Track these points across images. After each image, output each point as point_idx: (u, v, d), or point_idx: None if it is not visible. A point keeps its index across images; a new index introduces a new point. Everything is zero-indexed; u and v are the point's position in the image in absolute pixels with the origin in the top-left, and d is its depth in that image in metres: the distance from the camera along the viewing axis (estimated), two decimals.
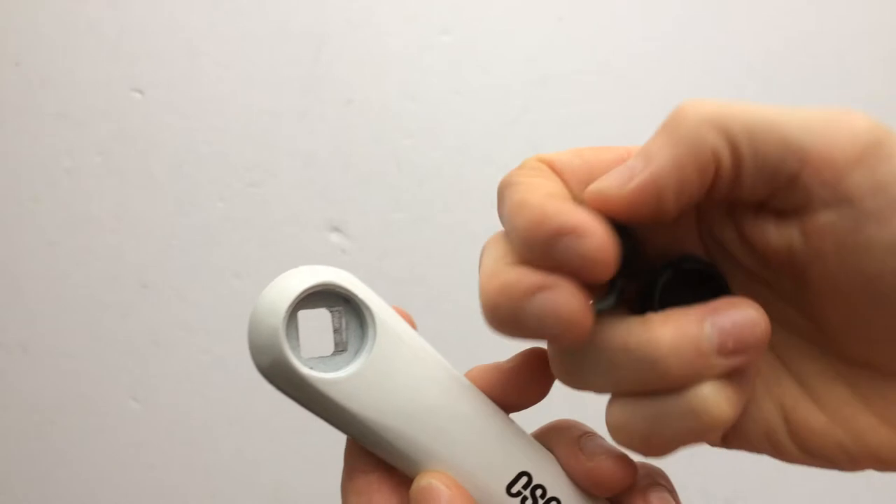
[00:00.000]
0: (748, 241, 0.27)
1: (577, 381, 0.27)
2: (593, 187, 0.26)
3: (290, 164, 0.85)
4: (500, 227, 0.29)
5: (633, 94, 0.82)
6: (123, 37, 0.86)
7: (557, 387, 0.30)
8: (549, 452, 0.31)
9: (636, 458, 0.30)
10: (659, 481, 0.30)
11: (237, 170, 0.86)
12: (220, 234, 0.86)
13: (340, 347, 0.28)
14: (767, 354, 0.28)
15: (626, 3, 0.83)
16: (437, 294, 0.84)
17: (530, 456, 0.30)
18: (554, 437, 0.31)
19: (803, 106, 0.25)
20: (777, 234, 0.25)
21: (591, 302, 0.25)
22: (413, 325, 0.29)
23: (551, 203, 0.25)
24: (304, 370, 0.26)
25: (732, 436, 0.28)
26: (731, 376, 0.25)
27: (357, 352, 0.27)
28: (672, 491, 0.30)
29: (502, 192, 0.28)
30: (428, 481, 0.28)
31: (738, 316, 0.25)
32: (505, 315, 0.25)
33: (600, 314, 0.26)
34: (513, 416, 0.31)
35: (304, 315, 0.27)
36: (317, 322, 0.30)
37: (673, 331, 0.25)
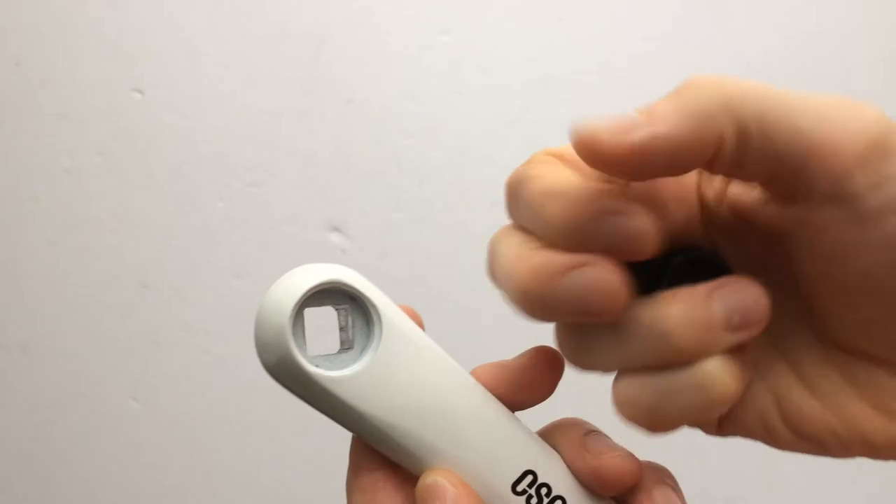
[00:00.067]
0: (746, 225, 0.27)
1: (587, 361, 0.28)
2: (583, 126, 0.24)
3: (290, 164, 0.85)
4: (499, 226, 0.29)
5: (633, 94, 0.82)
6: (123, 37, 0.86)
7: (563, 385, 0.30)
8: (554, 451, 0.31)
9: (645, 457, 0.30)
10: (665, 480, 0.30)
11: (237, 170, 0.85)
12: (220, 234, 0.86)
13: (346, 345, 0.28)
14: (762, 340, 0.28)
15: (626, 3, 0.83)
16: (437, 294, 0.84)
17: (535, 454, 0.30)
18: (559, 436, 0.31)
19: (815, 93, 0.24)
20: (775, 218, 0.26)
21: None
22: (421, 325, 0.29)
23: (587, 186, 0.26)
24: (311, 368, 0.26)
25: (727, 421, 0.29)
26: (736, 352, 0.26)
27: (363, 350, 0.27)
28: (677, 490, 0.30)
29: (517, 187, 0.28)
30: (433, 479, 0.28)
31: (743, 292, 0.26)
32: (539, 297, 0.25)
33: None
34: (518, 414, 0.31)
35: (310, 313, 0.27)
36: (323, 320, 0.30)
37: (682, 306, 0.25)
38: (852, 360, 0.27)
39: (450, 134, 0.84)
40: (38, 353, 0.88)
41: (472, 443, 0.29)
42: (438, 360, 0.29)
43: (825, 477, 0.83)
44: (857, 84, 0.81)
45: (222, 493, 0.88)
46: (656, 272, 0.27)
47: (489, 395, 0.30)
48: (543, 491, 0.30)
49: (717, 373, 0.25)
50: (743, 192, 0.27)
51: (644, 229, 0.25)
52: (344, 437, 0.29)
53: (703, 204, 0.28)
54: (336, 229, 0.85)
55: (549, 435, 0.31)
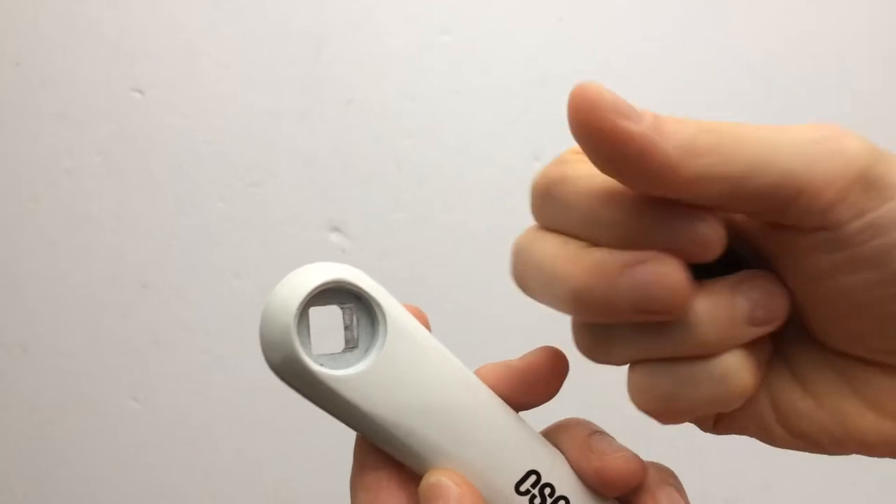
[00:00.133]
0: (735, 231, 0.27)
1: (604, 354, 0.28)
2: (594, 88, 0.24)
3: (290, 164, 0.85)
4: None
5: (633, 94, 0.82)
6: (123, 37, 0.86)
7: (567, 385, 0.30)
8: (558, 451, 0.31)
9: (645, 457, 0.30)
10: (669, 481, 0.30)
11: (237, 170, 0.85)
12: (220, 234, 0.86)
13: (351, 344, 0.28)
14: None
15: (626, 3, 0.83)
16: (437, 294, 0.84)
17: (539, 454, 0.30)
18: (563, 436, 0.31)
19: (796, 126, 0.25)
20: (761, 237, 0.26)
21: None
22: (427, 324, 0.29)
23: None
24: (315, 367, 0.26)
25: (723, 419, 0.29)
26: (754, 347, 0.26)
27: (368, 349, 0.27)
28: (681, 490, 0.30)
29: (553, 188, 0.27)
30: (437, 478, 0.28)
31: (766, 287, 0.26)
32: (598, 296, 0.25)
33: None
34: (522, 414, 0.31)
35: (316, 312, 0.27)
36: (329, 319, 0.30)
37: (708, 299, 0.26)
38: (846, 360, 0.27)
39: (450, 134, 0.84)
40: (38, 353, 0.88)
41: (476, 442, 0.29)
42: (443, 360, 0.29)
43: (825, 477, 0.83)
44: (858, 84, 0.82)
45: (222, 493, 0.88)
46: None
47: (493, 394, 0.30)
48: (547, 491, 0.30)
49: (737, 366, 0.26)
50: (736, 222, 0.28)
51: (716, 233, 0.25)
52: (344, 438, 0.29)
53: None
54: (336, 229, 0.85)
55: (554, 435, 0.31)
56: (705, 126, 0.24)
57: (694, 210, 0.25)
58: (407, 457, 0.28)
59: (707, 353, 0.26)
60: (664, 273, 0.24)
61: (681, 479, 0.31)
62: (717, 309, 0.25)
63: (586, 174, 0.26)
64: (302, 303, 0.26)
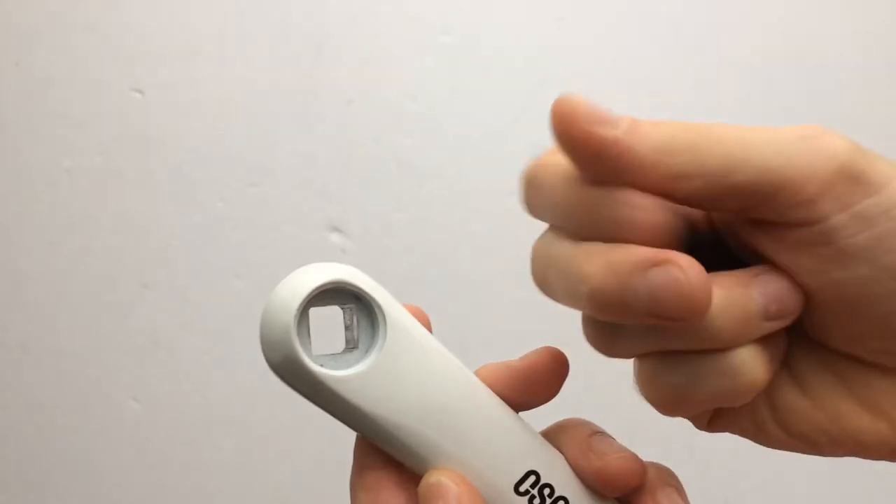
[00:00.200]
0: (730, 235, 0.27)
1: (614, 347, 0.28)
2: (569, 99, 0.25)
3: (290, 164, 0.85)
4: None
5: (634, 94, 0.82)
6: (123, 37, 0.86)
7: (567, 386, 0.30)
8: (557, 451, 0.31)
9: (645, 457, 0.30)
10: (669, 481, 0.30)
11: (237, 170, 0.85)
12: (220, 234, 0.86)
13: (351, 345, 0.28)
14: None
15: (626, 3, 0.83)
16: (437, 294, 0.84)
17: (539, 455, 0.30)
18: (563, 436, 0.31)
19: (775, 127, 0.25)
20: (752, 239, 0.26)
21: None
22: (428, 324, 0.29)
23: None
24: (315, 367, 0.26)
25: (719, 418, 0.29)
26: (768, 341, 0.26)
27: (368, 349, 0.27)
28: (681, 491, 0.30)
29: (534, 175, 0.28)
30: (437, 478, 0.28)
31: (780, 280, 0.26)
32: (614, 295, 0.25)
33: None
34: (522, 414, 0.31)
35: (318, 311, 0.27)
36: (331, 319, 0.30)
37: (723, 292, 0.25)
38: (842, 360, 0.27)
39: (450, 134, 0.84)
40: (38, 353, 0.88)
41: (476, 443, 0.29)
42: (443, 360, 0.29)
43: (825, 477, 0.83)
44: (857, 84, 0.81)
45: (222, 493, 0.88)
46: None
47: (493, 395, 0.30)
48: (546, 491, 0.30)
49: (750, 361, 0.26)
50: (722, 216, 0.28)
51: (651, 216, 0.25)
52: (344, 438, 0.30)
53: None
54: (336, 229, 0.85)
55: (554, 435, 0.31)
56: (682, 127, 0.25)
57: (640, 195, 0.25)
58: (407, 457, 0.28)
59: (718, 347, 0.26)
60: (680, 277, 0.24)
61: (681, 479, 0.31)
62: (732, 303, 0.25)
63: (562, 161, 0.27)
64: (302, 303, 0.26)
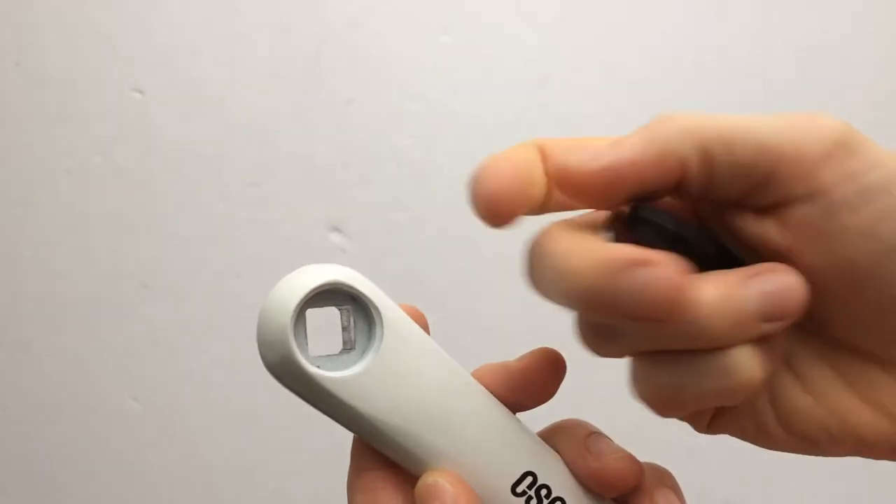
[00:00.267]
0: (732, 234, 0.27)
1: (607, 347, 0.27)
2: (558, 161, 0.26)
3: (290, 164, 0.85)
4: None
5: (634, 94, 0.82)
6: (123, 37, 0.86)
7: (565, 387, 0.30)
8: (554, 452, 0.31)
9: (645, 457, 0.30)
10: (666, 482, 0.30)
11: (237, 170, 0.85)
12: (220, 234, 0.86)
13: (348, 346, 0.28)
14: None
15: (626, 3, 0.83)
16: (437, 294, 0.84)
17: (536, 456, 0.30)
18: (560, 437, 0.31)
19: (777, 113, 0.26)
20: (755, 228, 0.26)
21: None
22: (425, 324, 0.29)
23: None
24: (312, 368, 0.26)
25: (719, 418, 0.29)
26: (766, 341, 0.26)
27: (364, 350, 0.27)
28: (678, 492, 0.30)
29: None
30: (433, 479, 0.28)
31: (780, 281, 0.25)
32: (599, 293, 0.24)
33: None
34: (520, 415, 0.31)
35: (317, 312, 0.27)
36: (329, 320, 0.30)
37: (716, 291, 0.25)
38: (845, 355, 0.27)
39: (450, 134, 0.84)
40: (38, 353, 0.88)
41: (472, 444, 0.29)
42: (439, 361, 0.29)
43: (825, 477, 0.83)
44: (857, 84, 0.81)
45: (222, 493, 0.88)
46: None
47: (490, 396, 0.30)
48: (543, 492, 0.30)
49: (746, 362, 0.25)
50: (727, 217, 0.28)
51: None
52: (344, 438, 0.29)
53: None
54: (336, 229, 0.85)
55: (551, 436, 0.31)
56: (682, 113, 0.26)
57: None
58: (403, 458, 0.28)
59: (712, 347, 0.25)
60: (657, 277, 0.24)
61: (681, 479, 0.31)
62: (726, 303, 0.25)
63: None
64: (298, 304, 0.26)
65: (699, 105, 0.82)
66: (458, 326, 0.82)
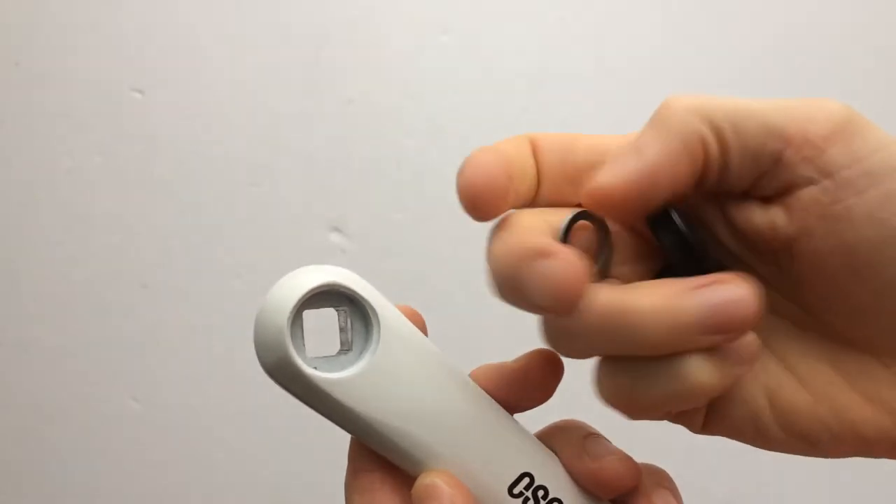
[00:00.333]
0: (734, 228, 0.27)
1: (564, 347, 0.28)
2: (591, 183, 0.26)
3: (290, 164, 0.85)
4: None
5: (633, 94, 0.82)
6: (123, 37, 0.86)
7: (562, 388, 0.30)
8: (552, 453, 0.31)
9: (645, 457, 0.30)
10: (663, 483, 0.30)
11: (237, 170, 0.85)
12: (220, 234, 0.86)
13: (346, 347, 0.28)
14: None
15: (627, 2, 0.83)
16: (437, 294, 0.84)
17: (533, 457, 0.30)
18: (558, 438, 0.31)
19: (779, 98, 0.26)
20: (762, 217, 0.26)
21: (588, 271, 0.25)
22: (423, 325, 0.29)
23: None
24: (308, 370, 0.26)
25: (714, 420, 0.29)
26: (719, 350, 0.25)
27: (362, 352, 0.27)
28: (675, 493, 0.30)
29: None
30: (430, 480, 0.28)
31: (728, 293, 0.25)
32: (507, 280, 0.25)
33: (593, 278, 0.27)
34: (517, 416, 0.31)
35: (315, 313, 0.27)
36: (328, 321, 0.30)
37: (656, 300, 0.25)
38: (843, 351, 0.27)
39: (450, 134, 0.84)
40: (38, 353, 0.88)
41: (469, 445, 0.29)
42: (436, 363, 0.29)
43: (825, 477, 0.83)
44: (857, 83, 0.81)
45: (222, 493, 0.88)
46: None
47: (487, 397, 0.30)
48: (540, 493, 0.30)
49: (696, 370, 0.25)
50: (732, 211, 0.28)
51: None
52: (344, 438, 0.30)
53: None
54: (336, 229, 0.85)
55: (549, 437, 0.31)
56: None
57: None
58: (400, 459, 0.28)
59: (658, 355, 0.25)
60: (555, 269, 0.24)
61: (681, 478, 0.31)
62: (664, 312, 0.24)
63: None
64: (295, 306, 0.26)
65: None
66: (457, 327, 0.82)
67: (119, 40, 0.86)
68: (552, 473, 0.30)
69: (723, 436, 0.29)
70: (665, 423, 0.30)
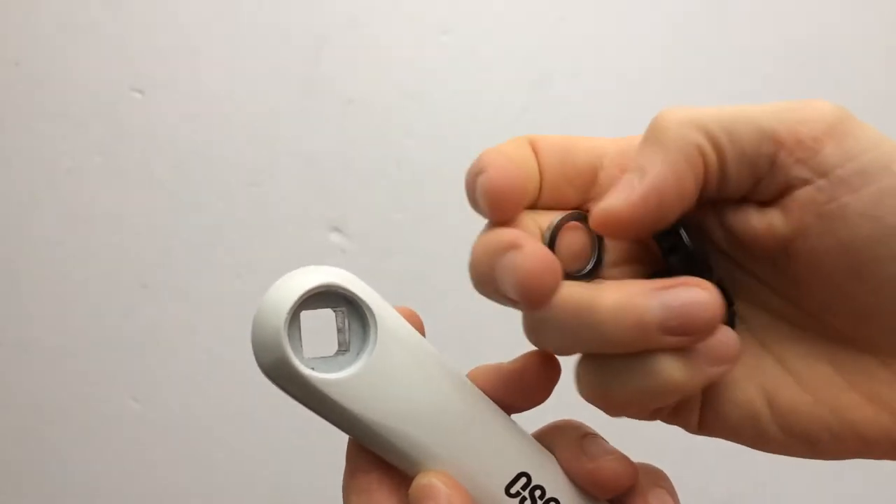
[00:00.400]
0: (732, 233, 0.28)
1: (541, 341, 0.28)
2: (598, 207, 0.26)
3: (290, 164, 0.85)
4: None
5: (633, 94, 0.82)
6: (123, 37, 0.86)
7: (560, 387, 0.30)
8: (549, 453, 0.31)
9: (644, 457, 0.30)
10: (660, 483, 0.30)
11: (237, 170, 0.86)
12: (220, 234, 0.86)
13: (343, 348, 0.28)
14: (749, 339, 0.28)
15: (627, 3, 0.83)
16: (437, 294, 0.84)
17: (530, 457, 0.30)
18: (555, 438, 0.31)
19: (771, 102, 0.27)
20: (759, 220, 0.27)
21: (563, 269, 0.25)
22: (421, 326, 0.29)
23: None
24: (306, 371, 0.26)
25: (712, 421, 0.29)
26: (692, 350, 0.26)
27: (359, 352, 0.27)
28: (672, 493, 0.30)
29: None
30: (428, 480, 0.28)
31: (688, 296, 0.25)
32: (481, 272, 0.26)
33: (570, 278, 0.27)
34: (514, 416, 0.31)
35: (313, 314, 0.27)
36: (325, 321, 0.30)
37: (617, 299, 0.25)
38: (842, 350, 0.27)
39: (450, 134, 0.84)
40: (38, 353, 0.88)
41: (467, 445, 0.29)
42: (434, 363, 0.29)
43: (824, 477, 0.83)
44: (857, 84, 0.81)
45: (222, 493, 0.88)
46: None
47: (485, 397, 0.30)
48: (537, 493, 0.30)
49: (664, 369, 0.25)
50: (729, 217, 0.28)
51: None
52: (343, 438, 0.30)
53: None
54: (336, 229, 0.85)
55: (546, 437, 0.31)
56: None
57: None
58: (398, 459, 0.28)
59: (624, 353, 0.26)
60: (522, 260, 0.25)
61: (680, 478, 0.31)
62: (625, 311, 0.25)
63: None
64: (293, 307, 0.26)
65: (699, 105, 0.82)
66: (457, 327, 0.82)
67: (119, 40, 0.86)
68: (549, 473, 0.30)
69: (722, 437, 0.29)
70: (662, 423, 0.30)
